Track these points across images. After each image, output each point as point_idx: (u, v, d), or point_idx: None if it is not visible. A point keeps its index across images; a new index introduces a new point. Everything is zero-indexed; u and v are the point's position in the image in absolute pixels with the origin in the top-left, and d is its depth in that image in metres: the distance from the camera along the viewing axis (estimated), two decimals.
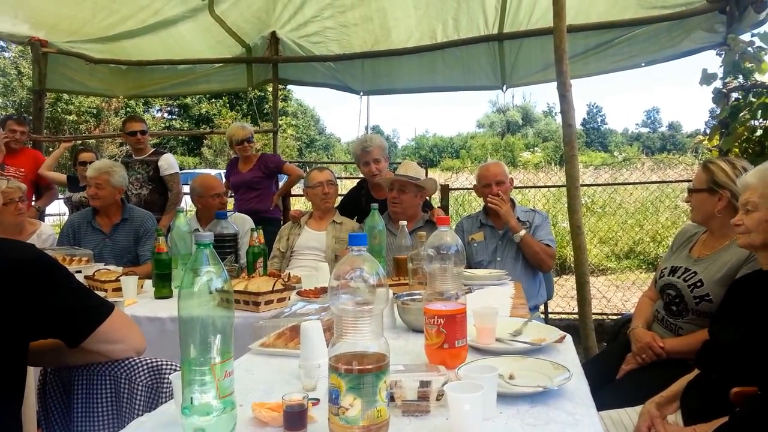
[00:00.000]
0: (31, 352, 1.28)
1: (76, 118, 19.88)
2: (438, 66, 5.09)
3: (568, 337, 1.69)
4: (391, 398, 1.15)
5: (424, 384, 1.22)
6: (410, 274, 2.29)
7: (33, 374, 1.59)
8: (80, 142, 8.41)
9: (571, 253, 3.86)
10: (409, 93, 5.62)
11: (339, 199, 4.36)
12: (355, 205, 3.87)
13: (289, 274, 2.82)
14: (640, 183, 7.68)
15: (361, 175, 4.19)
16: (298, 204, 6.63)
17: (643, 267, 8.34)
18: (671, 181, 6.98)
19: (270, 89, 5.87)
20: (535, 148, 31.69)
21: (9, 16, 4.53)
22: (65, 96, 18.55)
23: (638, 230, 8.64)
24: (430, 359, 1.45)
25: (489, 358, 1.48)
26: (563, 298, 6.00)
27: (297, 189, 5.74)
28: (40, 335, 1.29)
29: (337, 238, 3.48)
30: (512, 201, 3.38)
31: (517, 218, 3.26)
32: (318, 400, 1.23)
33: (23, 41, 5.29)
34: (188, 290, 1.03)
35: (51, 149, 6.05)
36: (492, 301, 2.21)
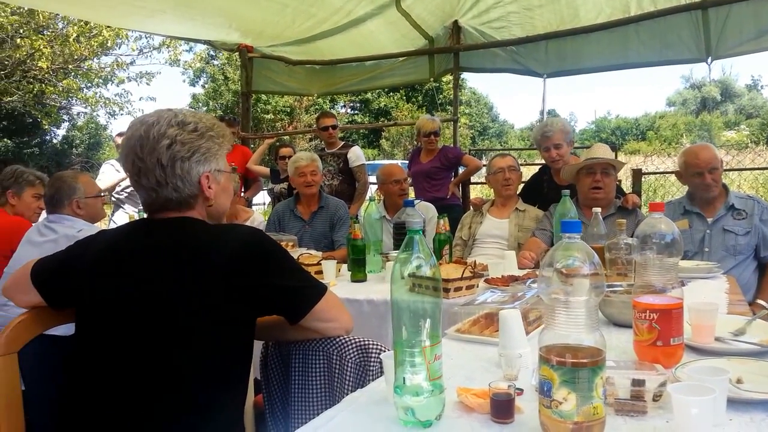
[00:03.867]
0: (257, 327, 1.43)
1: (272, 116, 21.96)
2: (631, 41, 4.73)
3: None
4: None
5: (637, 383, 1.14)
6: (608, 264, 2.16)
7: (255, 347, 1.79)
8: (278, 138, 9.25)
9: None
10: (597, 72, 5.30)
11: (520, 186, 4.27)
12: (537, 191, 3.74)
13: (475, 261, 2.82)
14: None
15: (540, 161, 4.05)
16: (475, 192, 6.62)
17: None
18: None
19: (445, 79, 5.93)
20: (740, 126, 27.95)
21: (224, 27, 5.13)
22: (263, 97, 20.58)
23: None
24: (640, 357, 1.35)
25: (708, 359, 1.34)
26: None
27: (475, 177, 5.73)
28: (266, 311, 1.43)
29: (520, 226, 3.40)
30: (725, 186, 3.03)
31: (732, 205, 2.91)
32: (522, 390, 1.21)
33: (233, 48, 5.95)
34: (399, 274, 1.08)
35: (253, 145, 6.74)
36: (703, 296, 2.01)
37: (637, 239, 1.44)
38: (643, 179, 5.07)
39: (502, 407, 1.10)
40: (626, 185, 5.35)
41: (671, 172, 5.00)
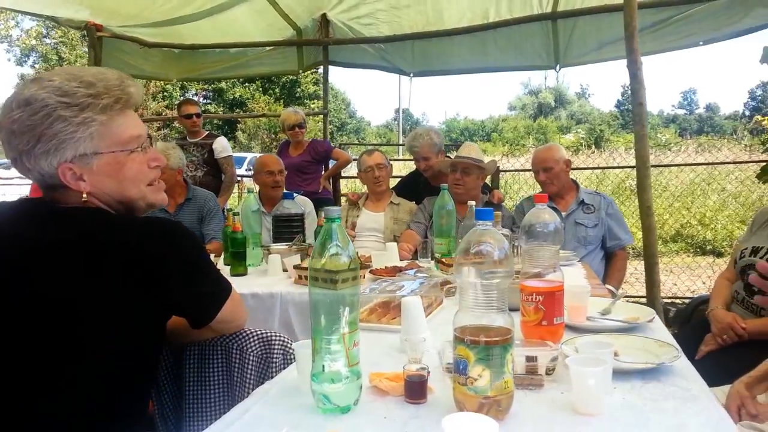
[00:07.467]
0: None
1: None
2: (490, 47, 5.06)
3: (657, 317, 1.69)
4: None
5: (531, 359, 1.24)
6: None
7: None
8: None
9: None
10: (459, 74, 5.61)
11: (396, 180, 4.40)
12: (413, 192, 3.86)
13: (358, 253, 2.86)
14: (696, 164, 7.33)
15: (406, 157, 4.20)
16: (347, 186, 6.71)
17: (691, 251, 8.19)
18: (727, 163, 6.82)
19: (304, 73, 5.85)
20: (577, 130, 31.26)
21: (73, 3, 4.61)
22: None
23: (685, 213, 8.46)
24: (527, 336, 1.47)
25: (583, 335, 1.49)
26: None
27: (346, 171, 5.80)
28: (171, 315, 1.30)
29: (395, 218, 3.51)
30: (575, 182, 3.37)
31: (582, 200, 3.25)
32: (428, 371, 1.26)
33: (80, 26, 5.39)
34: (318, 264, 1.08)
35: None
36: (569, 281, 2.22)
37: (522, 229, 1.56)
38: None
39: (416, 388, 1.14)
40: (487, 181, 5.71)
41: (525, 170, 5.45)
